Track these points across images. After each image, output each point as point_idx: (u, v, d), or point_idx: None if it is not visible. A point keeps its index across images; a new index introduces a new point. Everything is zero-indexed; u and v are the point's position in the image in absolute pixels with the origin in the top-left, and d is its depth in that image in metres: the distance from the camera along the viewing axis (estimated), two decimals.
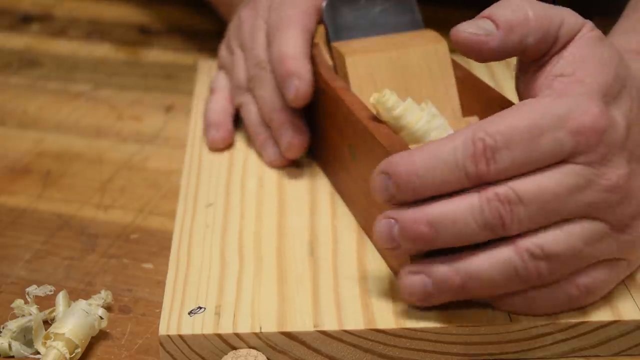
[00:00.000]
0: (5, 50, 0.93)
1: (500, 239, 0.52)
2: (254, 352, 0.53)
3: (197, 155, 0.71)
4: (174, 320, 0.54)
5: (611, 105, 0.53)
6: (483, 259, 0.52)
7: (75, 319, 0.55)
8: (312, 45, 0.69)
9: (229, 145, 0.72)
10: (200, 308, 0.55)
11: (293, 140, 0.68)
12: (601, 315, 0.54)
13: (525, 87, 0.57)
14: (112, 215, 0.68)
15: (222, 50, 0.77)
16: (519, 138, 0.51)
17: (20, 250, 0.64)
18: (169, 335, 0.54)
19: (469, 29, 0.54)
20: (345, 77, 0.65)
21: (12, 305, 0.57)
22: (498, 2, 0.55)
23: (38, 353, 0.55)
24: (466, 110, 0.65)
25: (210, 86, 0.76)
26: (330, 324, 0.54)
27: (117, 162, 0.74)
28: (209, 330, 0.54)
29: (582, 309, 0.55)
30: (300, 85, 0.66)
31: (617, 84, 0.54)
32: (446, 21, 0.63)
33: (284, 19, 0.69)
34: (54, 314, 0.57)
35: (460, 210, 0.52)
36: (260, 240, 0.61)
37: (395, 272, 0.57)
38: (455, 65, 0.66)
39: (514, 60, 0.58)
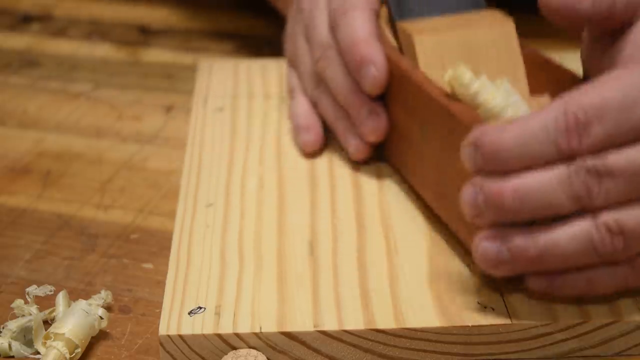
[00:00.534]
0: (5, 50, 0.93)
1: (579, 214, 0.51)
2: (254, 352, 0.53)
3: (197, 155, 0.71)
4: (174, 320, 0.54)
5: None
6: (561, 230, 0.51)
7: (75, 319, 0.55)
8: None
9: (322, 147, 0.71)
10: (200, 308, 0.55)
11: (373, 123, 0.67)
12: (601, 315, 0.54)
13: (598, 62, 0.55)
14: (112, 215, 0.68)
15: (286, 44, 0.75)
16: (612, 111, 0.50)
17: (20, 250, 0.64)
18: (169, 335, 0.54)
19: None
20: (412, 57, 0.64)
21: (12, 305, 0.57)
22: None
23: (38, 353, 0.55)
24: (535, 90, 0.65)
25: (286, 87, 0.75)
26: (330, 324, 0.54)
27: (117, 162, 0.74)
28: (209, 330, 0.54)
29: (582, 309, 0.55)
30: (377, 73, 0.65)
31: None
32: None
33: (348, 0, 0.67)
34: (54, 314, 0.57)
35: (548, 182, 0.51)
36: (260, 240, 0.61)
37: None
38: (523, 45, 0.65)
39: None
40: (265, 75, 0.82)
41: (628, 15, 0.54)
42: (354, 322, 0.54)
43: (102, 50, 0.93)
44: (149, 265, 0.63)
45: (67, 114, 0.82)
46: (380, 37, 0.67)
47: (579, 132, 0.50)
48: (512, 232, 0.52)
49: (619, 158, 0.51)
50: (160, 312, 0.55)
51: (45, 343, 0.54)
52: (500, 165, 0.51)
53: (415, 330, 0.54)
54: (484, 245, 0.52)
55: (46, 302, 0.58)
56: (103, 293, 0.58)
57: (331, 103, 0.70)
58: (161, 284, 0.60)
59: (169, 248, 0.61)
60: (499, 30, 0.65)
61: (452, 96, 0.59)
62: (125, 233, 0.66)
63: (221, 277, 0.58)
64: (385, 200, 0.65)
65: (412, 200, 0.65)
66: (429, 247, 0.61)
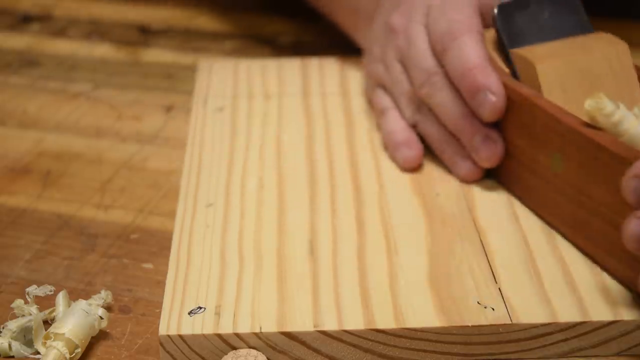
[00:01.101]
0: (5, 50, 0.93)
1: None
2: (254, 352, 0.53)
3: (197, 155, 0.71)
4: (174, 320, 0.54)
5: None
6: None
7: (75, 319, 0.55)
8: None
9: (421, 163, 0.70)
10: (200, 308, 0.55)
11: (491, 148, 0.66)
12: (601, 315, 0.54)
13: None
14: (112, 215, 0.68)
15: (374, 64, 0.74)
16: None
17: (20, 250, 0.64)
18: (169, 335, 0.54)
19: None
20: (532, 84, 0.64)
21: (12, 305, 0.57)
22: None
23: (38, 353, 0.55)
24: None
25: (376, 108, 0.74)
26: (330, 324, 0.54)
27: (117, 162, 0.74)
28: (209, 330, 0.54)
29: (582, 309, 0.55)
30: (495, 100, 0.64)
31: None
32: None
33: (454, 24, 0.66)
34: (54, 314, 0.57)
35: None
36: (260, 240, 0.61)
37: (631, 282, 0.56)
38: (637, 66, 0.65)
39: None
40: (265, 75, 0.82)
41: None
42: (354, 322, 0.54)
43: (102, 50, 0.93)
44: (149, 265, 0.63)
45: (67, 114, 0.82)
46: (493, 62, 0.66)
47: None
48: None
49: None
50: (160, 312, 0.55)
51: (45, 343, 0.54)
52: None
53: (415, 330, 0.54)
54: None
55: (46, 302, 0.58)
56: (103, 293, 0.58)
57: (437, 128, 0.69)
58: (161, 284, 0.60)
59: (169, 248, 0.61)
60: (614, 52, 0.64)
61: (592, 124, 0.59)
62: (125, 233, 0.66)
63: (221, 277, 0.58)
64: (385, 200, 0.65)
65: (412, 200, 0.65)
66: (429, 247, 0.61)
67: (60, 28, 0.98)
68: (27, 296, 0.56)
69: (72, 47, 0.93)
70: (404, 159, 0.69)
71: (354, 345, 0.54)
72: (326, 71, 0.82)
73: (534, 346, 0.54)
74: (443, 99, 0.67)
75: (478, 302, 0.55)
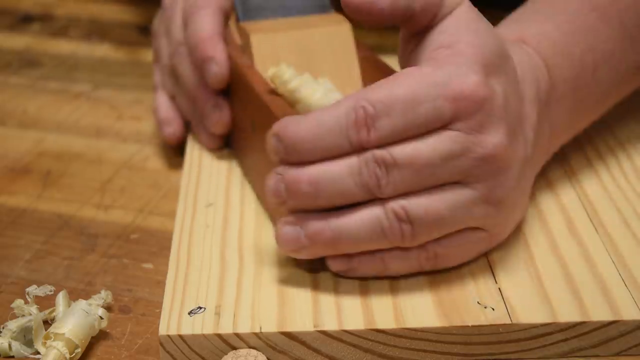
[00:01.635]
0: (5, 50, 0.93)
1: (373, 200, 0.55)
2: (254, 352, 0.53)
3: (197, 155, 0.71)
4: (174, 320, 0.54)
5: (491, 77, 0.55)
6: (353, 215, 0.55)
7: (75, 319, 0.55)
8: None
9: (183, 140, 0.74)
10: (200, 308, 0.55)
11: (216, 116, 0.70)
12: (601, 315, 0.54)
13: (407, 62, 0.58)
14: (112, 215, 0.68)
15: (153, 39, 0.79)
16: (399, 106, 0.54)
17: (20, 250, 0.64)
18: (169, 335, 0.54)
19: None
20: (250, 56, 0.67)
21: (12, 305, 0.57)
22: None
23: (38, 353, 0.55)
24: None
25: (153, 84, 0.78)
26: (330, 324, 0.54)
27: (117, 162, 0.74)
28: (209, 330, 0.54)
29: (582, 309, 0.55)
30: (217, 70, 0.68)
31: (496, 57, 0.56)
32: None
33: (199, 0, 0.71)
34: (54, 314, 0.57)
35: (339, 171, 0.54)
36: (260, 240, 0.61)
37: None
38: (359, 46, 0.68)
39: None
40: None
41: (427, 18, 0.57)
42: (354, 322, 0.54)
43: (102, 50, 0.93)
44: (149, 265, 0.63)
45: (67, 114, 0.82)
46: (226, 36, 0.70)
47: (368, 125, 0.54)
48: (309, 217, 0.55)
49: (404, 150, 0.54)
50: (160, 312, 0.55)
51: (45, 343, 0.54)
52: (300, 156, 0.55)
53: (415, 330, 0.54)
54: (285, 229, 0.56)
55: (46, 302, 0.58)
56: (103, 293, 0.58)
57: (185, 98, 0.73)
58: (161, 284, 0.60)
59: (169, 248, 0.61)
60: (334, 31, 0.68)
61: (276, 93, 0.62)
62: (125, 233, 0.66)
63: (221, 277, 0.58)
64: None
65: None
66: None
67: (60, 28, 0.98)
68: (27, 296, 0.56)
69: (72, 47, 0.93)
70: (166, 136, 0.74)
71: (354, 345, 0.54)
72: None
73: (534, 346, 0.54)
74: (184, 69, 0.72)
75: (478, 302, 0.55)
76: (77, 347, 0.54)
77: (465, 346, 0.54)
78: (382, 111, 0.53)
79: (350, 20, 0.66)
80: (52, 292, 0.56)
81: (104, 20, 0.99)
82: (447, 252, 0.56)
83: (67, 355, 0.54)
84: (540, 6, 0.66)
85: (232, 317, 0.55)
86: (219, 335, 0.54)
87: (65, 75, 0.88)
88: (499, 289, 0.57)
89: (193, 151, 0.72)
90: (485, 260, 0.59)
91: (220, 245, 0.61)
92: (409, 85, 0.54)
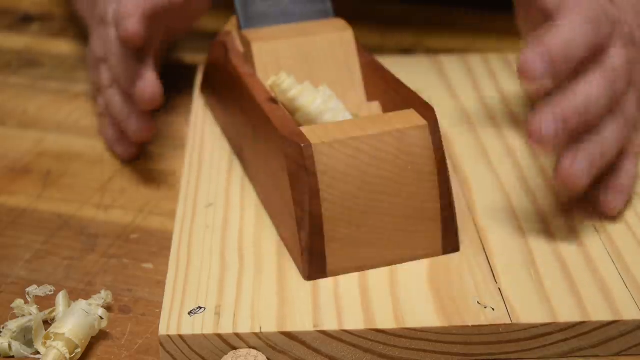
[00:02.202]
0: (5, 50, 0.93)
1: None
2: (254, 352, 0.53)
3: (197, 155, 0.71)
4: (174, 320, 0.54)
5: None
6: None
7: (75, 319, 0.55)
8: (224, 33, 0.72)
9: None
10: (200, 308, 0.55)
11: (138, 124, 0.71)
12: (601, 315, 0.54)
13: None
14: (112, 215, 0.68)
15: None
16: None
17: (20, 250, 0.64)
18: (169, 335, 0.54)
19: None
20: (252, 64, 0.67)
21: (12, 305, 0.57)
22: None
23: (38, 353, 0.55)
24: (371, 95, 0.67)
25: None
26: (330, 324, 0.54)
27: (117, 162, 0.74)
28: (209, 330, 0.54)
29: (582, 309, 0.55)
30: (128, 24, 0.67)
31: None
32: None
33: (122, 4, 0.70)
34: (54, 314, 0.57)
35: (597, 94, 0.58)
36: (260, 240, 0.61)
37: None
38: (361, 52, 0.68)
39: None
40: None
41: None
42: (354, 322, 0.54)
43: None
44: (149, 265, 0.63)
45: (67, 114, 0.82)
46: (224, 43, 0.70)
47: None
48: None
49: None
50: (160, 312, 0.55)
51: (45, 343, 0.54)
52: (568, 62, 0.57)
53: (415, 330, 0.54)
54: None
55: (46, 302, 0.58)
56: (103, 293, 0.58)
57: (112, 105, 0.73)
58: (161, 284, 0.60)
59: (169, 248, 0.61)
60: (336, 37, 0.68)
61: (277, 102, 0.62)
62: (125, 233, 0.66)
63: (221, 277, 0.58)
64: None
65: None
66: None
67: (60, 28, 0.98)
68: (27, 296, 0.56)
69: (72, 47, 0.93)
70: (120, 155, 0.74)
71: (354, 345, 0.54)
72: None
73: (534, 346, 0.54)
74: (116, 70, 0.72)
75: (478, 302, 0.55)
76: (77, 347, 0.54)
77: (465, 346, 0.54)
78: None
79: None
80: (52, 292, 0.56)
81: None
82: None
83: (67, 355, 0.54)
84: None
85: (232, 317, 0.55)
86: (219, 335, 0.54)
87: (65, 75, 0.88)
88: (499, 289, 0.57)
89: (193, 151, 0.72)
90: (485, 260, 0.59)
91: (220, 245, 0.61)
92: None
